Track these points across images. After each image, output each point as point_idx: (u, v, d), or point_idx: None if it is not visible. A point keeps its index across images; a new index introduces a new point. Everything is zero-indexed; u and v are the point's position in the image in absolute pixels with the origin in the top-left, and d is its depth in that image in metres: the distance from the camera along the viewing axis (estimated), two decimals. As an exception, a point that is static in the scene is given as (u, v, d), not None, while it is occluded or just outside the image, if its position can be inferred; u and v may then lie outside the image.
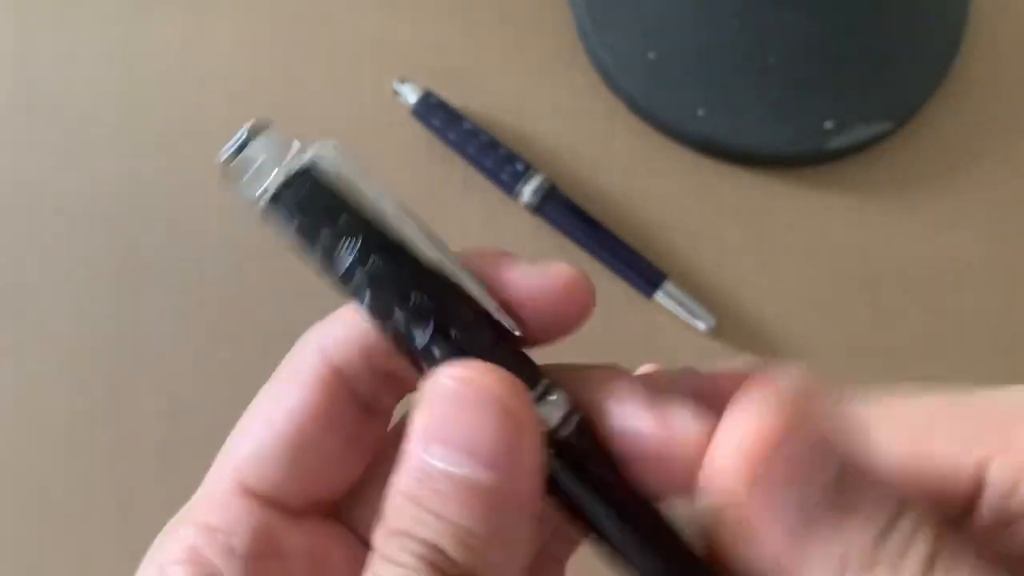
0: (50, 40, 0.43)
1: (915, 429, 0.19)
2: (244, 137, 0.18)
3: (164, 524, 0.24)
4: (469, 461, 0.16)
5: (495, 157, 0.41)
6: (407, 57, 0.43)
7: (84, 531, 0.37)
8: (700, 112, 0.41)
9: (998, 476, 0.18)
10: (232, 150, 0.18)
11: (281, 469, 0.20)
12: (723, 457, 0.17)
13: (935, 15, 0.43)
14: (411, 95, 0.41)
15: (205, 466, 0.21)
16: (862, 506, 0.16)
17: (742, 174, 0.42)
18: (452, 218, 0.41)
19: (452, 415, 0.17)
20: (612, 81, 0.42)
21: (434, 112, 0.41)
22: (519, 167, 0.40)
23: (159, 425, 0.38)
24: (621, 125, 0.42)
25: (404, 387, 0.20)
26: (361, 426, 0.20)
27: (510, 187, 0.41)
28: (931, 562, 0.16)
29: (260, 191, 0.18)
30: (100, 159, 0.42)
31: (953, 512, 0.18)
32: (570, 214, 0.40)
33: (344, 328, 0.20)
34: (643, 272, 0.40)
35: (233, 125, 0.18)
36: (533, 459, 0.17)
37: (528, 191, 0.40)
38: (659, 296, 0.40)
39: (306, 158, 0.18)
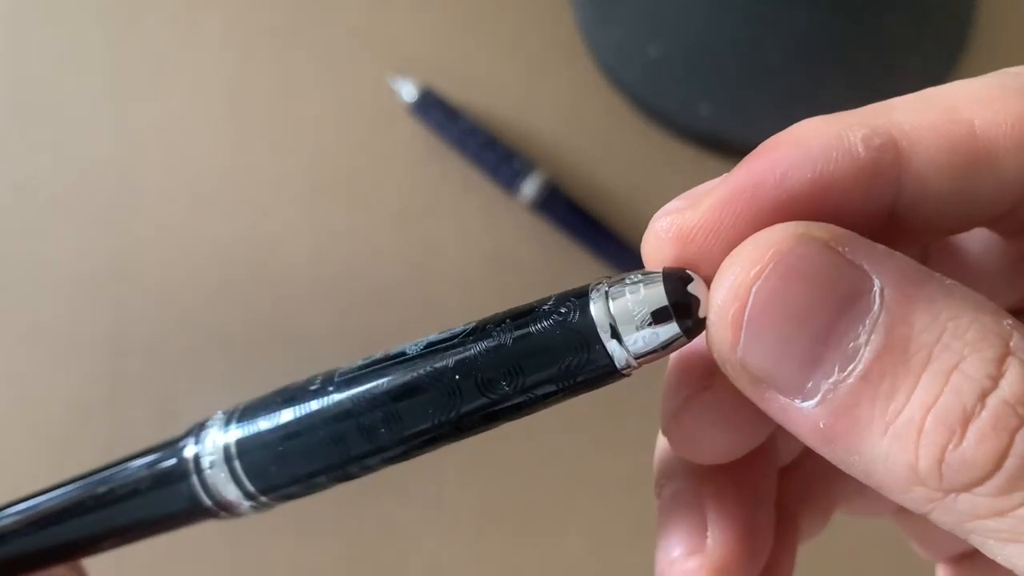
0: (42, 38, 0.43)
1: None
2: None
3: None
4: None
5: (495, 155, 0.40)
6: (405, 53, 0.43)
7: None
8: (703, 108, 0.41)
9: None
10: None
11: None
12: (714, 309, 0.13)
13: (941, 11, 0.43)
14: (409, 92, 0.41)
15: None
16: (925, 342, 0.12)
17: (745, 171, 0.41)
18: (451, 217, 0.41)
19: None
20: (613, 77, 0.42)
21: (433, 109, 0.41)
22: (519, 165, 0.40)
23: (155, 425, 0.38)
24: (622, 122, 0.42)
25: None
26: None
27: (510, 185, 0.40)
28: None
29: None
30: (94, 157, 0.42)
31: None
32: (570, 212, 0.40)
33: None
34: (645, 271, 0.39)
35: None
36: None
37: (528, 189, 0.40)
38: (661, 295, 0.39)
39: None
